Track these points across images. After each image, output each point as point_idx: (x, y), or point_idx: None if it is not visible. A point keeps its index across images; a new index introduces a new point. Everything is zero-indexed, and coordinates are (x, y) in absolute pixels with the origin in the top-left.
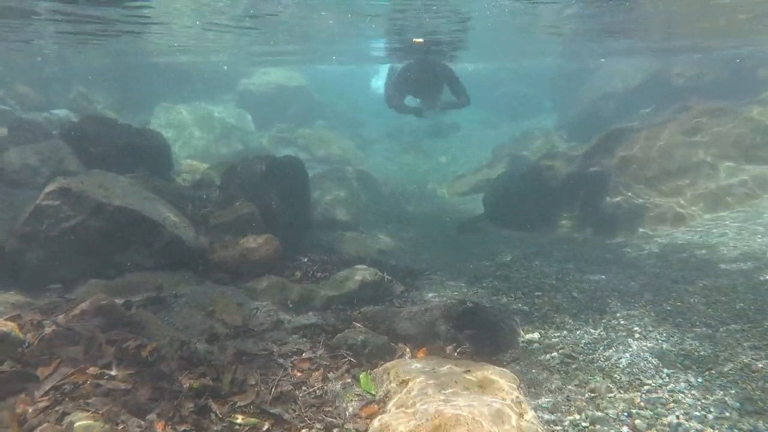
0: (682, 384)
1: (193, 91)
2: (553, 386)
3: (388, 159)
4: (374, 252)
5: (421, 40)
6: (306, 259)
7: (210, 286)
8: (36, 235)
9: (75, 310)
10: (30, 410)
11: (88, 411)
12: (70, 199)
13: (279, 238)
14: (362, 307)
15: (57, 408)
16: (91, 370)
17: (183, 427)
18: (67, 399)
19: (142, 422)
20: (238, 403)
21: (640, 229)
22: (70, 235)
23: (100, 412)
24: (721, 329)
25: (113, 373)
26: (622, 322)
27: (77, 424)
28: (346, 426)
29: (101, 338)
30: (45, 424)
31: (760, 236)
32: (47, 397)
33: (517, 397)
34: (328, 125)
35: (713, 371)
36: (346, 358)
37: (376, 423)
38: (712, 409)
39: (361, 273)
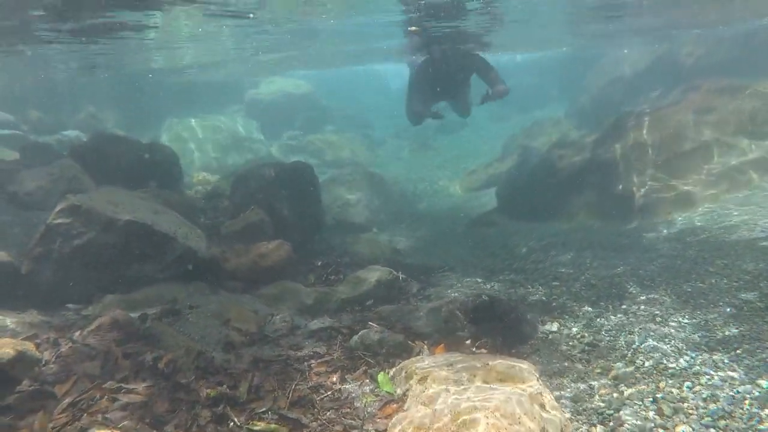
0: (708, 366)
1: (201, 104)
2: (575, 375)
3: (398, 159)
4: (388, 252)
5: (415, 28)
6: (319, 263)
7: (224, 295)
8: (49, 254)
9: (91, 326)
10: (50, 427)
11: (107, 426)
12: (80, 216)
13: (291, 243)
14: (377, 307)
15: (75, 424)
16: (108, 384)
17: None
18: (85, 415)
19: None
20: (256, 410)
21: (656, 213)
22: (82, 252)
23: (119, 426)
24: (745, 308)
25: (130, 386)
26: (642, 307)
27: None
28: (365, 427)
29: (117, 352)
30: None
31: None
32: (66, 414)
33: (538, 388)
34: (337, 129)
35: (739, 351)
36: (363, 359)
37: (394, 421)
38: (740, 389)
39: (376, 273)
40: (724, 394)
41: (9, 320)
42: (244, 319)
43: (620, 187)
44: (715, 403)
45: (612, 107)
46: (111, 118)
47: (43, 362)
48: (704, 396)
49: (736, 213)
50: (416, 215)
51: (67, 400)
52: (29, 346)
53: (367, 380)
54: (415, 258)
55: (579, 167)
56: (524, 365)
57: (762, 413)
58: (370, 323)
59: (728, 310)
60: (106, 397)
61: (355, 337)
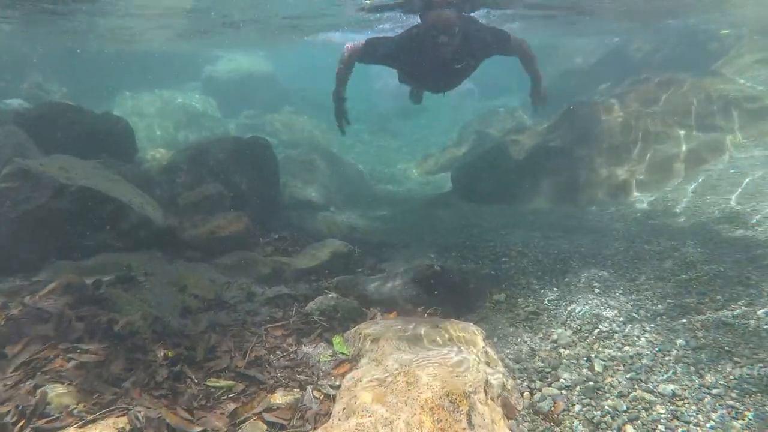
0: (637, 329)
1: (156, 79)
2: (519, 339)
3: (357, 141)
4: (345, 229)
5: None
6: (276, 236)
7: (181, 264)
8: None
9: (43, 291)
10: (1, 385)
11: (62, 382)
12: (29, 180)
13: (249, 218)
14: (333, 278)
15: (29, 382)
16: (62, 345)
17: (159, 392)
18: (39, 374)
19: (118, 390)
20: (214, 369)
21: (602, 198)
22: (31, 218)
23: (74, 383)
24: (672, 280)
25: (85, 347)
26: (583, 280)
27: (51, 394)
28: (320, 383)
29: (71, 315)
30: (17, 397)
31: (708, 197)
32: (18, 372)
33: (483, 348)
34: (296, 110)
35: (664, 317)
36: (318, 323)
37: (348, 377)
38: (662, 348)
39: (332, 246)
40: (648, 353)
41: None
42: (201, 287)
43: (569, 173)
44: (640, 360)
45: (565, 97)
46: (59, 89)
47: None
48: (631, 354)
49: (672, 198)
50: (373, 196)
51: (20, 360)
52: None
53: (323, 343)
54: (372, 236)
55: (531, 153)
56: (472, 328)
57: (677, 367)
58: (326, 291)
59: (657, 282)
60: (60, 356)
61: (311, 303)
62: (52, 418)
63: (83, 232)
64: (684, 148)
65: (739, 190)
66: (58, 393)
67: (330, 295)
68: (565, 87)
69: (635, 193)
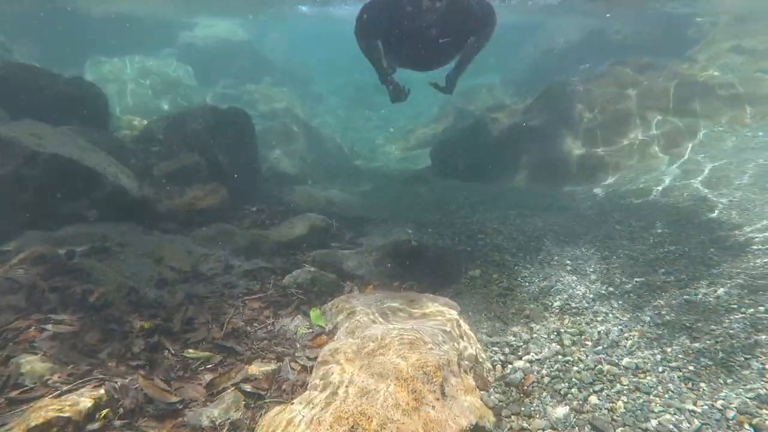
0: (606, 305)
1: (129, 43)
2: (492, 314)
3: (337, 116)
4: (323, 203)
5: None
6: (254, 209)
7: (157, 235)
8: None
9: (13, 260)
10: None
11: (35, 353)
12: None
13: (227, 189)
14: (311, 251)
15: (0, 352)
16: (35, 316)
17: (136, 363)
18: (10, 344)
19: (93, 360)
20: (191, 340)
21: (577, 178)
22: (1, 185)
23: (48, 354)
24: (640, 259)
25: (59, 317)
26: (556, 257)
27: (24, 365)
28: (297, 354)
29: (43, 286)
30: None
31: (678, 180)
32: None
33: (458, 322)
34: (276, 82)
35: (632, 294)
36: (295, 296)
37: (325, 349)
38: (628, 324)
39: (310, 219)
40: (615, 328)
41: None
42: (178, 258)
43: (546, 152)
44: (607, 336)
45: (545, 76)
46: (25, 50)
47: None
48: (599, 330)
49: (643, 179)
50: (352, 171)
51: None
52: None
53: (300, 316)
54: (350, 210)
55: (509, 132)
56: (446, 302)
57: (641, 342)
58: (303, 264)
59: (627, 261)
60: (33, 327)
61: (289, 276)
62: (27, 388)
63: (55, 202)
64: (658, 131)
65: (707, 174)
66: (31, 364)
67: (307, 269)
68: (545, 66)
69: (609, 174)
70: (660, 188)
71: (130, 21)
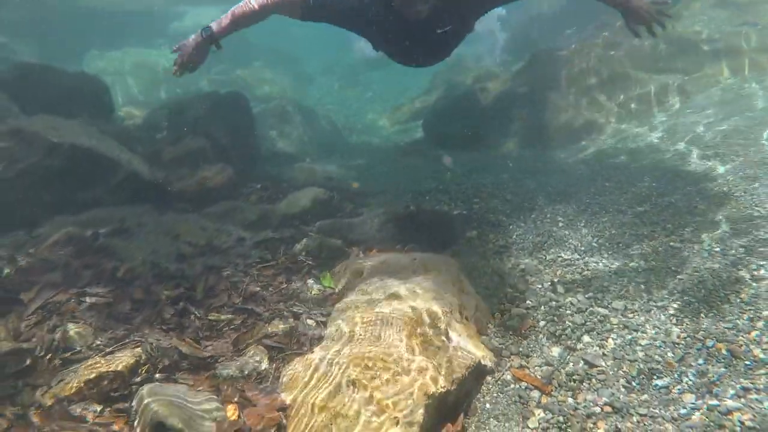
0: (595, 257)
1: (123, 36)
2: (490, 269)
3: (328, 93)
4: (322, 179)
5: None
6: (259, 186)
7: (172, 215)
8: None
9: (46, 242)
10: (22, 326)
11: (77, 322)
12: (22, 140)
13: (232, 169)
14: (316, 222)
15: (47, 323)
16: (72, 291)
17: (167, 327)
18: (55, 315)
19: (129, 326)
20: (213, 305)
21: (567, 140)
22: (27, 176)
23: (89, 322)
24: (629, 212)
25: (94, 290)
26: (548, 216)
27: (70, 332)
28: (311, 312)
29: (76, 264)
30: (39, 334)
31: (666, 135)
32: (35, 315)
33: (458, 276)
34: (266, 64)
35: (621, 244)
36: (305, 262)
37: (337, 306)
38: (617, 271)
39: (313, 192)
40: (604, 275)
41: None
42: (193, 234)
43: (537, 117)
44: (598, 282)
45: (531, 43)
46: (26, 49)
47: (3, 274)
48: (590, 277)
49: (631, 137)
50: (347, 147)
51: (36, 304)
52: None
53: (311, 280)
54: (348, 184)
55: (500, 100)
56: (446, 260)
57: (629, 286)
58: (309, 234)
59: (616, 214)
60: (72, 300)
61: (298, 245)
62: (76, 351)
63: (75, 188)
64: (644, 90)
65: (693, 128)
66: (76, 330)
67: (315, 237)
68: (531, 33)
69: (598, 135)
70: (648, 145)
71: (120, 13)
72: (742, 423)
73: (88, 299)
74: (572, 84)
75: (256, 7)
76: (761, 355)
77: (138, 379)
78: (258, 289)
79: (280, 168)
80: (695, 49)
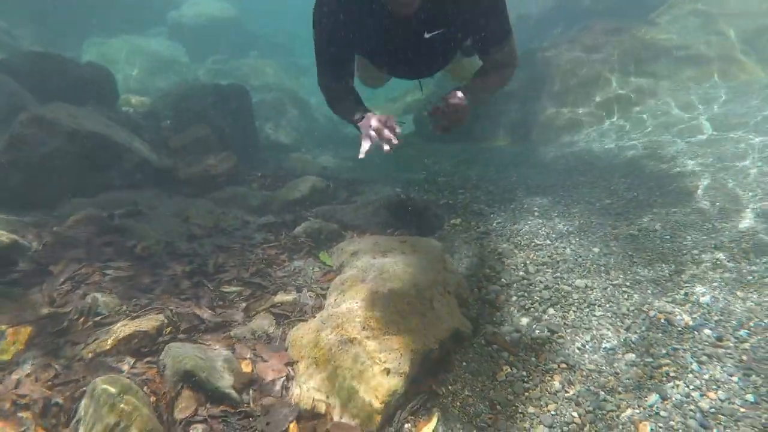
0: (564, 242)
1: (120, 24)
2: (471, 253)
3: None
4: (318, 168)
5: None
6: (260, 174)
7: (180, 199)
8: (17, 162)
9: (68, 222)
10: (55, 294)
11: (103, 291)
12: (44, 127)
13: (237, 157)
14: (314, 208)
15: (77, 292)
16: (96, 264)
17: (184, 296)
18: (82, 285)
19: (151, 296)
20: (224, 279)
21: (549, 136)
22: (48, 160)
23: (114, 292)
24: (597, 204)
25: (116, 264)
26: (525, 206)
27: (98, 299)
28: (312, 286)
29: (97, 241)
30: (73, 301)
31: (639, 135)
32: (65, 285)
33: (442, 256)
34: (263, 55)
35: (587, 232)
36: (305, 243)
37: (335, 280)
38: (582, 255)
39: (310, 180)
40: (570, 258)
41: None
42: (201, 217)
43: (522, 114)
44: (564, 264)
45: (519, 43)
46: (27, 35)
47: (32, 250)
48: (557, 260)
49: (607, 136)
50: (341, 138)
51: (65, 275)
52: (16, 237)
53: (310, 258)
54: (343, 174)
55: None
56: (433, 242)
57: (591, 267)
58: (308, 218)
59: (586, 206)
60: (96, 273)
61: (298, 228)
62: (105, 315)
63: (91, 172)
64: (622, 92)
65: (664, 129)
66: (103, 299)
67: (314, 220)
68: (520, 32)
69: (578, 132)
70: (620, 143)
71: (118, 1)
72: (668, 374)
73: (111, 272)
74: (555, 83)
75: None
76: (691, 323)
77: (163, 339)
78: (263, 265)
79: (278, 157)
80: (669, 55)
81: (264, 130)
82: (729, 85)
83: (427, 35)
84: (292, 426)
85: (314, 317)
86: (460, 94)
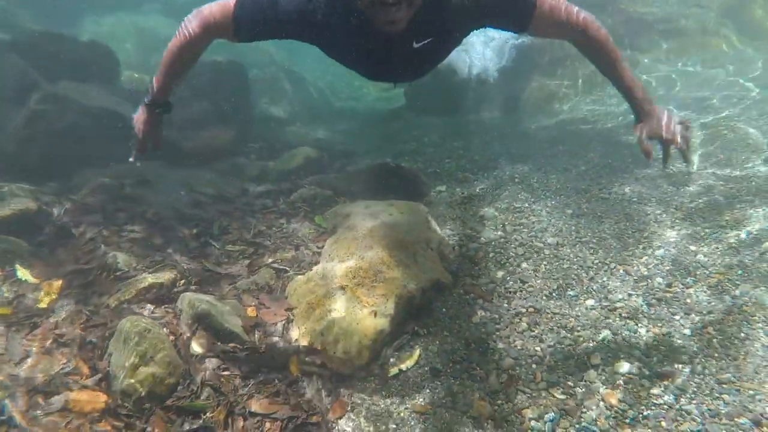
0: (541, 205)
1: (116, 1)
2: (454, 216)
3: (317, 61)
4: (312, 141)
5: None
6: (257, 146)
7: (184, 170)
8: (34, 136)
9: (84, 190)
10: (79, 253)
11: (121, 251)
12: (58, 103)
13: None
14: (309, 176)
15: (98, 251)
16: (112, 227)
17: (192, 255)
18: (102, 246)
19: (163, 254)
20: (228, 240)
21: (534, 108)
22: (62, 135)
23: (130, 251)
24: (573, 171)
25: (130, 228)
26: (507, 173)
27: (117, 257)
28: (309, 245)
29: (111, 208)
30: (96, 259)
31: (618, 106)
32: (87, 245)
33: (427, 218)
34: None
35: (562, 195)
36: (302, 208)
37: (329, 240)
38: (556, 216)
39: (305, 151)
40: (545, 219)
41: (7, 187)
42: (205, 185)
43: (508, 87)
44: (539, 224)
45: None
46: (26, 13)
47: (55, 216)
48: (533, 221)
49: (589, 108)
50: (334, 113)
51: (87, 236)
52: (38, 204)
53: (307, 222)
54: (336, 146)
55: (472, 70)
56: (419, 206)
57: (563, 227)
58: (305, 185)
59: (563, 173)
60: (114, 235)
61: (295, 194)
62: (125, 271)
63: (102, 145)
64: None
65: None
66: (122, 257)
67: (309, 187)
68: None
69: (561, 105)
70: (602, 115)
71: None
72: (621, 314)
73: (127, 234)
74: (541, 56)
75: (189, 39)
76: (645, 272)
77: (177, 290)
78: (264, 228)
79: (273, 131)
80: (650, 28)
81: (260, 105)
82: (704, 57)
83: (416, 45)
84: (293, 359)
85: (311, 270)
86: (677, 118)
